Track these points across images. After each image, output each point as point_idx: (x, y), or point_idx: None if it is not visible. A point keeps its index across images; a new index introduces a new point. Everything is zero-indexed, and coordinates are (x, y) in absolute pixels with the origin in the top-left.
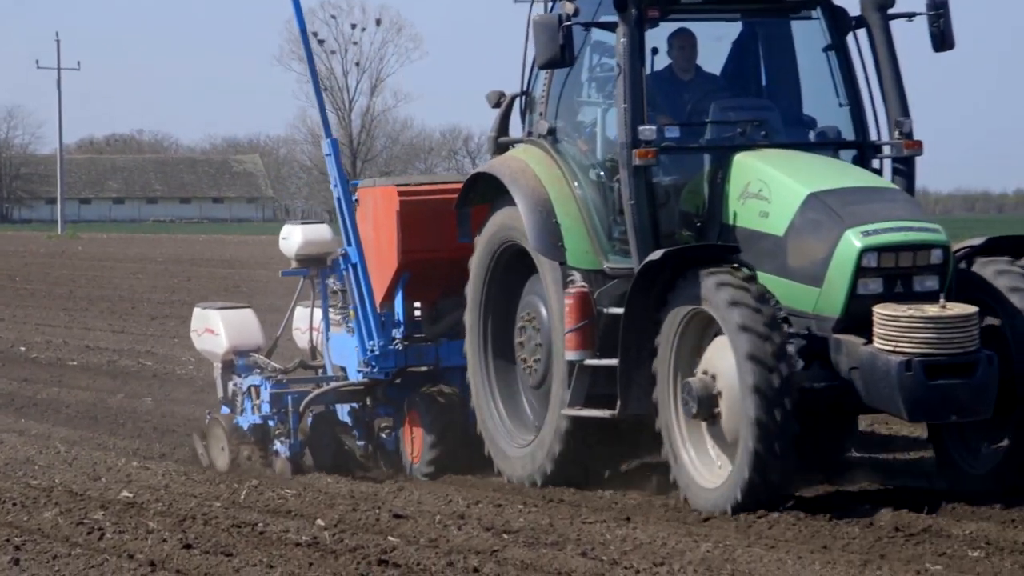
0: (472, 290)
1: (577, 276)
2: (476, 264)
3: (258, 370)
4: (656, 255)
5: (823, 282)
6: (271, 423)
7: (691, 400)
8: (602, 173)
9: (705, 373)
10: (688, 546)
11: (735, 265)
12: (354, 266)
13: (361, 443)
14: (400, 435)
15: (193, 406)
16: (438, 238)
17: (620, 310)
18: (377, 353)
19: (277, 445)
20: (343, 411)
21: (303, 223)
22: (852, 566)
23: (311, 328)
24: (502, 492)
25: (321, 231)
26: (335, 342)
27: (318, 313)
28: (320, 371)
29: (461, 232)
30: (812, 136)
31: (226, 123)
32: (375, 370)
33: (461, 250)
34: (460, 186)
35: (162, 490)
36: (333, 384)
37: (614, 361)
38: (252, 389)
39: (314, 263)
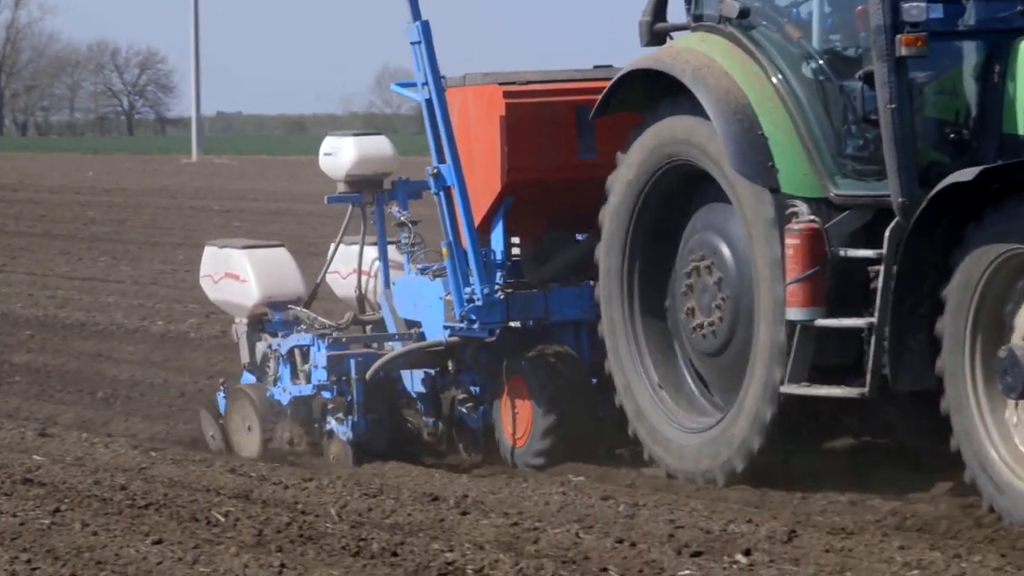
0: (613, 224)
1: (803, 208)
2: (621, 190)
3: (303, 327)
4: (966, 174)
5: None
6: (326, 395)
7: (1015, 376)
8: (823, 67)
9: None
10: None
11: None
12: (447, 190)
13: (429, 420)
14: (495, 410)
15: None
16: (552, 153)
17: (863, 252)
18: (480, 303)
19: (332, 423)
20: (411, 380)
21: (355, 134)
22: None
23: (360, 271)
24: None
25: (379, 144)
26: (401, 289)
27: (369, 252)
28: (369, 328)
29: (582, 145)
30: None
31: None
32: (475, 326)
33: (580, 169)
34: (584, 85)
35: None
36: (411, 345)
37: (860, 321)
38: (296, 352)
39: (369, 186)
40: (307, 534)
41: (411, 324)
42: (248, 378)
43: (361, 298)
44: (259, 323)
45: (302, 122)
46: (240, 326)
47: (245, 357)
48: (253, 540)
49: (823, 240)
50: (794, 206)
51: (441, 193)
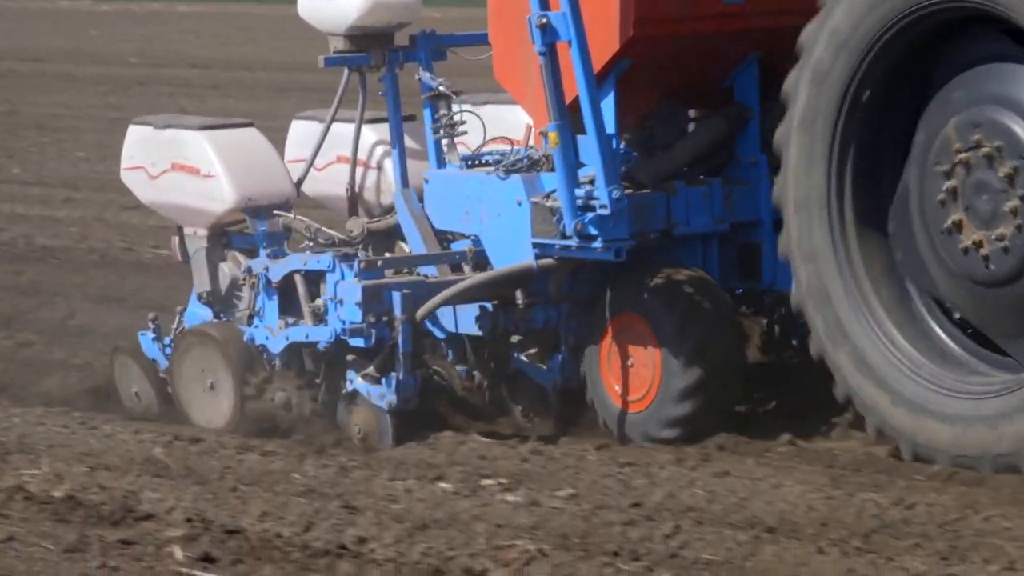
0: (814, 100)
1: None
2: (828, 53)
3: (308, 242)
4: None
5: None
6: (357, 343)
7: None
8: None
9: None
10: None
11: None
12: (551, 48)
13: (461, 369)
14: (591, 361)
15: None
16: None
17: None
18: (607, 212)
19: (356, 382)
20: (452, 317)
21: None
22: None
23: (354, 161)
24: None
25: None
26: (441, 189)
27: (369, 135)
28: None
29: None
30: None
31: None
32: (596, 243)
33: (722, 20)
34: None
35: None
36: (488, 272)
37: None
38: (298, 280)
39: (378, 43)
40: None
41: (441, 236)
42: (198, 315)
43: (353, 199)
44: (222, 236)
45: None
46: (195, 240)
47: (204, 284)
48: None
49: None
50: None
51: (546, 53)
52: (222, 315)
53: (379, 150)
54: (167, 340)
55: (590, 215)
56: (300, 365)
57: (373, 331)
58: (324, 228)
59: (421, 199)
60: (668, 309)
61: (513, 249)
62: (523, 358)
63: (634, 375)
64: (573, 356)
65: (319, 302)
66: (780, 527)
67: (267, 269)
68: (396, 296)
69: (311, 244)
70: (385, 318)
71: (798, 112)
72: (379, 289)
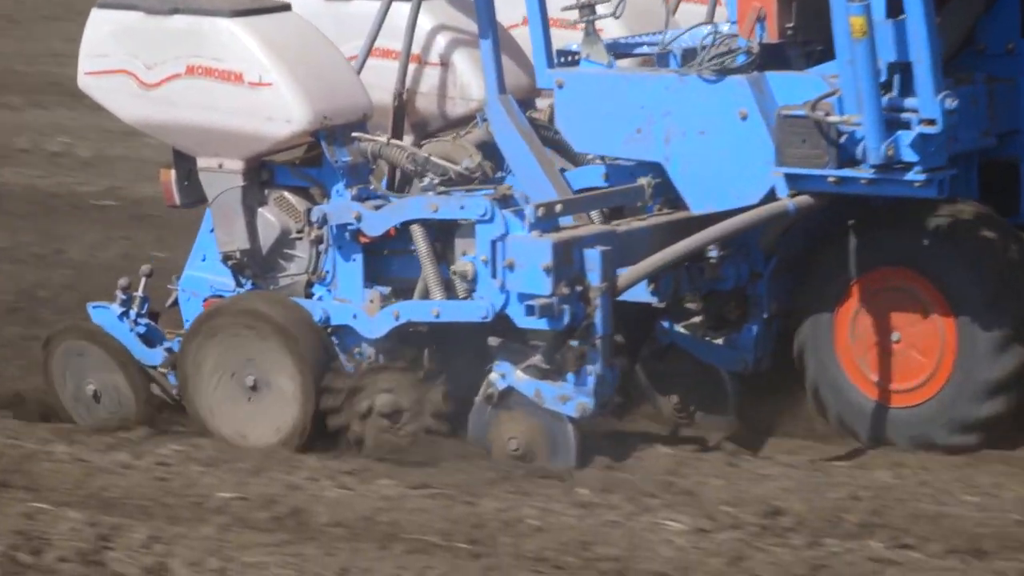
0: None
1: None
2: None
3: (431, 178)
4: None
5: None
6: (546, 324)
7: None
8: None
9: None
10: None
11: None
12: None
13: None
14: (819, 333)
15: None
16: None
17: None
18: (938, 129)
19: (515, 379)
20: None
21: None
22: None
23: (407, 57)
24: None
25: None
26: (585, 94)
27: (425, 19)
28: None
29: None
30: None
31: None
32: (914, 173)
33: None
34: None
35: None
36: (737, 219)
37: None
38: (416, 233)
39: None
40: None
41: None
42: (204, 280)
43: (401, 109)
44: (261, 172)
45: None
46: (220, 177)
47: (236, 239)
48: None
49: None
50: None
51: None
52: (247, 282)
53: (440, 40)
54: (134, 316)
55: (907, 135)
56: (397, 357)
57: (566, 307)
58: (434, 157)
59: (527, 108)
60: (968, 265)
61: (731, 182)
62: (681, 330)
63: (902, 357)
64: (773, 328)
65: (465, 266)
66: None
67: (359, 218)
68: (592, 256)
69: (427, 180)
70: (580, 288)
71: None
72: (571, 246)
